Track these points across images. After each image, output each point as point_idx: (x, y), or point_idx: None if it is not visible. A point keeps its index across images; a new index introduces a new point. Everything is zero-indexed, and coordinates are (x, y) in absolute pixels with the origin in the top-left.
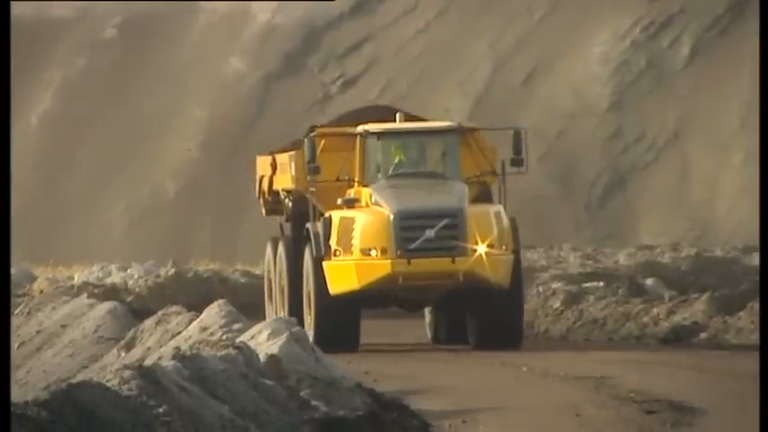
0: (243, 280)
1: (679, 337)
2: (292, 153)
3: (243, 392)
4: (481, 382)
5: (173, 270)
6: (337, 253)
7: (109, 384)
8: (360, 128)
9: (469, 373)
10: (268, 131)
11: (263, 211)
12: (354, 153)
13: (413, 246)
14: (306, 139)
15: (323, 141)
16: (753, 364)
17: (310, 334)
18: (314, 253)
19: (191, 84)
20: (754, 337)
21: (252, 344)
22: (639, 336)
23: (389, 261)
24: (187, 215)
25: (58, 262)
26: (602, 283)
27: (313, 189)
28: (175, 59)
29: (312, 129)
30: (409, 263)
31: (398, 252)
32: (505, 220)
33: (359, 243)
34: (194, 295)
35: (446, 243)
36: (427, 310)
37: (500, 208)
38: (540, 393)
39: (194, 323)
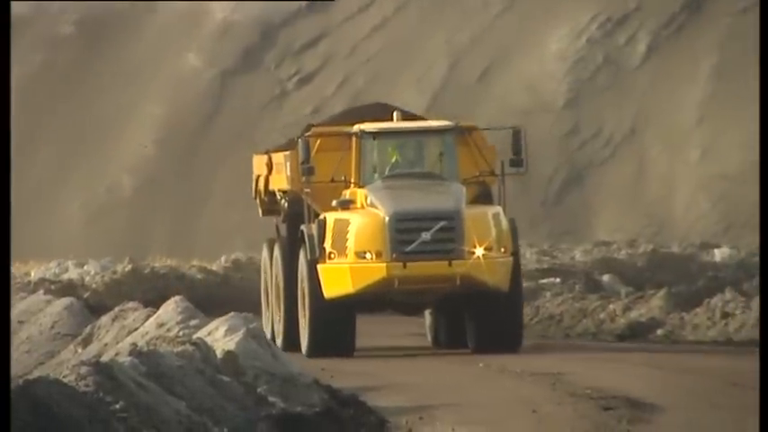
0: (200, 276)
1: (635, 334)
2: (287, 153)
3: (200, 388)
4: (438, 379)
5: (129, 266)
6: (332, 256)
7: (66, 380)
8: (355, 127)
9: (426, 370)
10: (225, 128)
11: (260, 211)
12: (350, 153)
13: (409, 248)
14: (299, 139)
15: (318, 141)
16: (708, 360)
17: (305, 338)
18: (308, 256)
19: (147, 80)
20: (711, 334)
21: (209, 340)
22: (596, 332)
23: (385, 264)
24: (144, 211)
25: (15, 258)
26: (558, 280)
27: (308, 190)
28: (132, 56)
29: (308, 128)
30: (405, 266)
31: (394, 255)
32: (504, 222)
33: (353, 246)
34: (151, 291)
35: (443, 246)
36: (427, 313)
37: (499, 209)
38: (497, 390)
39: (151, 319)
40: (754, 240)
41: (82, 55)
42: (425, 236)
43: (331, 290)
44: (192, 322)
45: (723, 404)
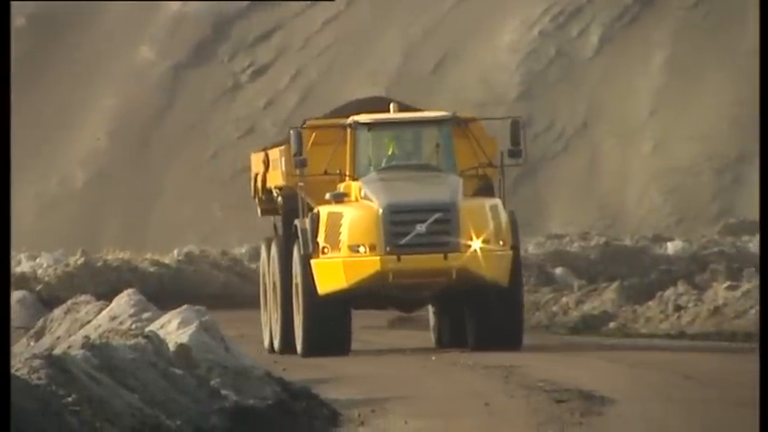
0: (152, 269)
1: (588, 327)
2: (282, 148)
3: (152, 381)
4: (390, 372)
5: (82, 259)
6: (325, 250)
7: (18, 373)
8: (350, 119)
9: (379, 363)
10: (178, 120)
11: (259, 210)
12: (345, 145)
13: (403, 242)
14: (292, 132)
15: (314, 134)
16: (661, 352)
17: (299, 337)
18: (301, 251)
19: (100, 73)
20: (664, 326)
21: (161, 333)
22: (549, 325)
23: (378, 258)
24: (96, 204)
25: None
26: None
27: (301, 184)
28: (85, 48)
29: (305, 122)
30: (399, 260)
31: (388, 248)
32: (503, 215)
33: (347, 239)
34: (103, 284)
35: (438, 239)
36: (431, 313)
37: (497, 201)
38: (450, 382)
39: (104, 312)
40: (706, 233)
41: (34, 47)
42: (420, 228)
43: (325, 285)
44: (145, 315)
45: (676, 397)
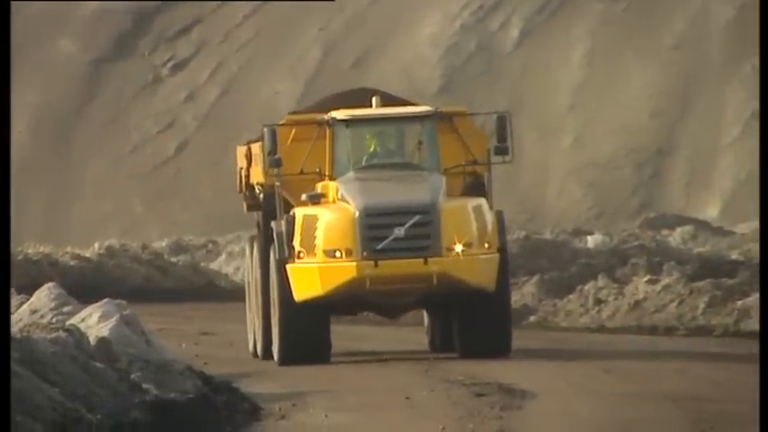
0: (73, 263)
1: None
2: (261, 143)
3: (73, 375)
4: (311, 366)
5: None
6: (301, 255)
7: None
8: (327, 115)
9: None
10: (99, 114)
11: (245, 206)
12: (324, 143)
13: (380, 246)
14: (265, 129)
15: (293, 130)
16: (581, 346)
17: (276, 342)
18: (277, 255)
19: (20, 67)
20: (584, 320)
21: (82, 326)
22: None
23: (355, 263)
24: (17, 197)
25: None
26: None
27: (278, 183)
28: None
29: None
30: (377, 265)
31: (365, 253)
32: (488, 216)
33: (322, 244)
34: (24, 278)
35: (418, 242)
36: (425, 315)
37: (482, 201)
38: (371, 376)
39: (24, 306)
40: (626, 227)
41: None
42: (399, 232)
43: (300, 292)
44: (66, 309)
45: (596, 391)
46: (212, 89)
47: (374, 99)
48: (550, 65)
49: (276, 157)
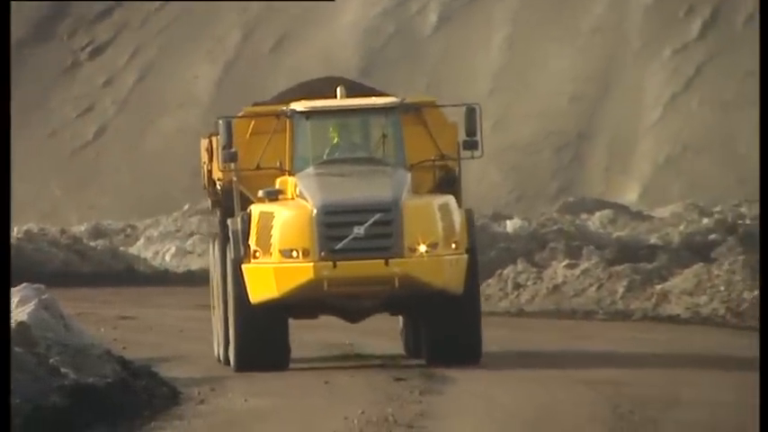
0: None
1: None
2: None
3: None
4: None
5: None
6: (256, 254)
7: None
8: (287, 106)
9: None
10: (17, 100)
11: (209, 203)
12: (284, 136)
13: (339, 246)
14: (220, 120)
15: (252, 122)
16: (500, 330)
17: (231, 347)
18: (232, 254)
19: None
20: (503, 304)
21: None
22: None
23: (311, 264)
24: None
25: None
26: None
27: (235, 179)
28: None
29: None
30: (335, 266)
31: (322, 254)
32: (456, 214)
33: (278, 243)
34: None
35: (379, 242)
36: (400, 317)
37: (449, 199)
38: (290, 361)
39: None
40: (545, 211)
41: None
42: (358, 231)
43: (256, 294)
44: None
45: (514, 376)
46: (131, 73)
47: (338, 89)
48: (469, 49)
49: (232, 150)
